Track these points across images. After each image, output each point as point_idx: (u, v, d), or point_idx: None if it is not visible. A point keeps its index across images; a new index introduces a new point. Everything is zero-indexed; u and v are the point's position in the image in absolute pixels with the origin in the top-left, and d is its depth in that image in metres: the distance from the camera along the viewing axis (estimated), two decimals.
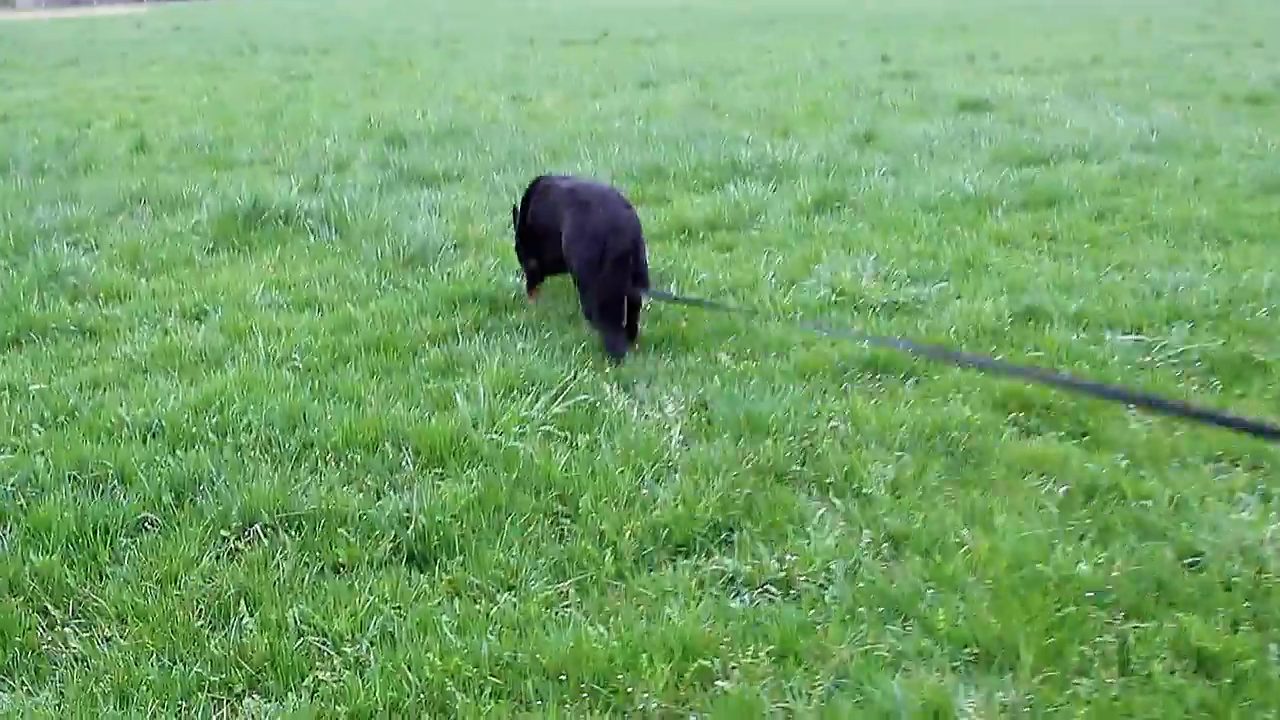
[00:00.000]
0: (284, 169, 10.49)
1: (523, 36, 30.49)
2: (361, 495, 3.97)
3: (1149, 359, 5.10)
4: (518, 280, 6.37)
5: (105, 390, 5.03)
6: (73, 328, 5.84)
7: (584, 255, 5.30)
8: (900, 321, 5.71)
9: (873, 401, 4.69)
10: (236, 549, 3.67)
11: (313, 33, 35.42)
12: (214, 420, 4.54)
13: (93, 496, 3.94)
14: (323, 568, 3.55)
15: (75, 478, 4.08)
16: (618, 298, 5.25)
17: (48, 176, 10.19)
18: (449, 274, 6.57)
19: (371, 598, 3.34)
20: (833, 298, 6.08)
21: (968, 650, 3.06)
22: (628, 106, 13.83)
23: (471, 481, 3.99)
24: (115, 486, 4.02)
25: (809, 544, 3.56)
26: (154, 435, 4.46)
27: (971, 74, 17.13)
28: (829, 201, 8.18)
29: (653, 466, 4.11)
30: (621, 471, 4.03)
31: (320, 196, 8.58)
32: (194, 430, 4.45)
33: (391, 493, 4.00)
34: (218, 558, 3.61)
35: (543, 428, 4.40)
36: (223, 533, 3.73)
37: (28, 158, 10.86)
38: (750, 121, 12.50)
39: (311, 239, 7.56)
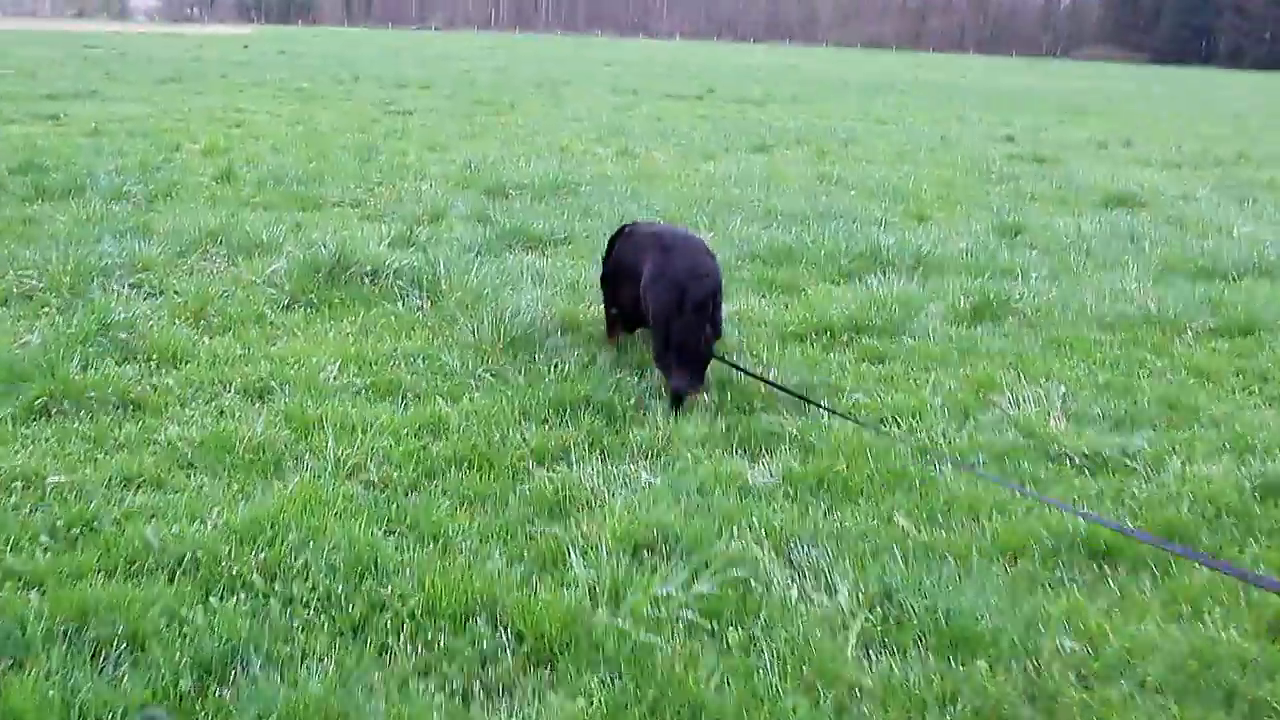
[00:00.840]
0: (374, 214, 9.67)
1: (625, 87, 29.85)
2: (442, 697, 2.96)
3: None
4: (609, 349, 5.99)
5: (138, 491, 4.09)
6: (114, 399, 4.91)
7: (662, 298, 5.21)
8: (1109, 483, 4.60)
9: (1105, 608, 3.59)
10: None
11: (414, 67, 35.17)
12: (262, 555, 3.57)
13: (89, 671, 2.97)
14: None
15: (72, 638, 3.11)
16: (694, 344, 5.16)
17: (124, 202, 9.44)
18: (557, 366, 5.58)
19: None
20: (1018, 439, 4.98)
21: None
22: (744, 172, 12.88)
23: (591, 698, 2.95)
24: (122, 655, 3.04)
25: None
26: (185, 572, 3.49)
27: (1108, 163, 15.96)
28: (990, 308, 7.10)
29: (831, 690, 3.05)
30: (793, 704, 2.96)
31: (412, 254, 7.69)
32: (236, 570, 3.48)
33: (483, 695, 2.98)
34: None
35: (683, 611, 3.37)
36: None
37: (108, 179, 10.13)
38: (878, 199, 11.47)
39: (400, 304, 6.62)
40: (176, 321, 6.17)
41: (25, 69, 26.56)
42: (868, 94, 32.17)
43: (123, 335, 5.63)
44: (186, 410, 4.92)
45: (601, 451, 4.65)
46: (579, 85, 30.04)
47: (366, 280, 7.00)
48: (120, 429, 4.66)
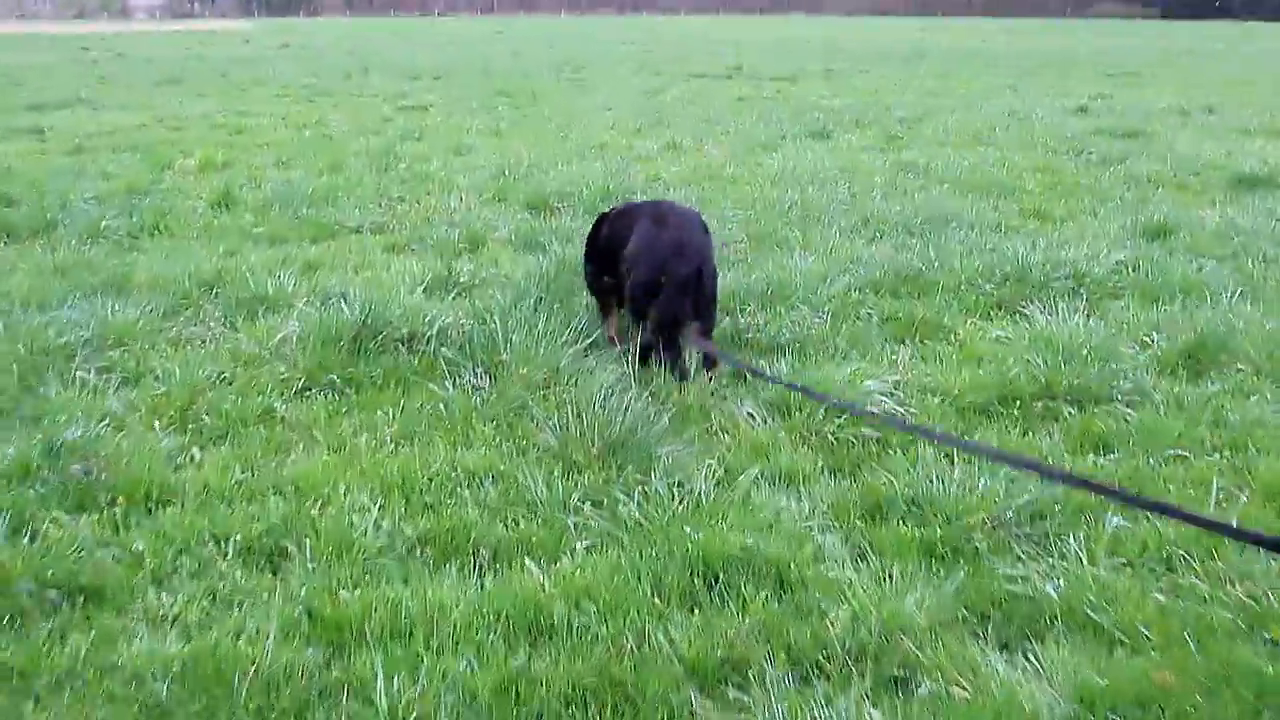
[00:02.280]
0: (400, 242, 8.08)
1: (648, 67, 28.18)
2: None
3: None
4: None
5: None
6: (54, 593, 3.33)
7: (642, 269, 5.08)
8: None
9: None
10: None
11: (425, 55, 33.50)
12: None
13: None
14: None
15: None
16: (672, 320, 4.99)
17: (101, 242, 7.88)
18: (683, 488, 3.98)
19: None
20: None
21: None
22: (813, 165, 11.23)
23: None
24: None
25: None
26: None
27: (1209, 136, 14.22)
28: (1206, 352, 5.47)
29: None
30: None
31: (456, 304, 6.14)
32: None
33: None
34: None
35: None
36: None
37: (84, 212, 8.56)
38: (980, 194, 9.82)
39: (450, 385, 5.03)
40: (156, 427, 4.60)
41: (13, 77, 25.01)
42: (901, 65, 30.36)
43: (77, 467, 4.05)
44: (162, 598, 3.35)
45: (791, 657, 3.05)
46: (599, 69, 28.33)
47: (402, 348, 5.43)
48: (56, 651, 3.08)
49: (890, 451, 4.38)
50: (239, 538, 3.67)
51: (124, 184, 9.96)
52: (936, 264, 6.98)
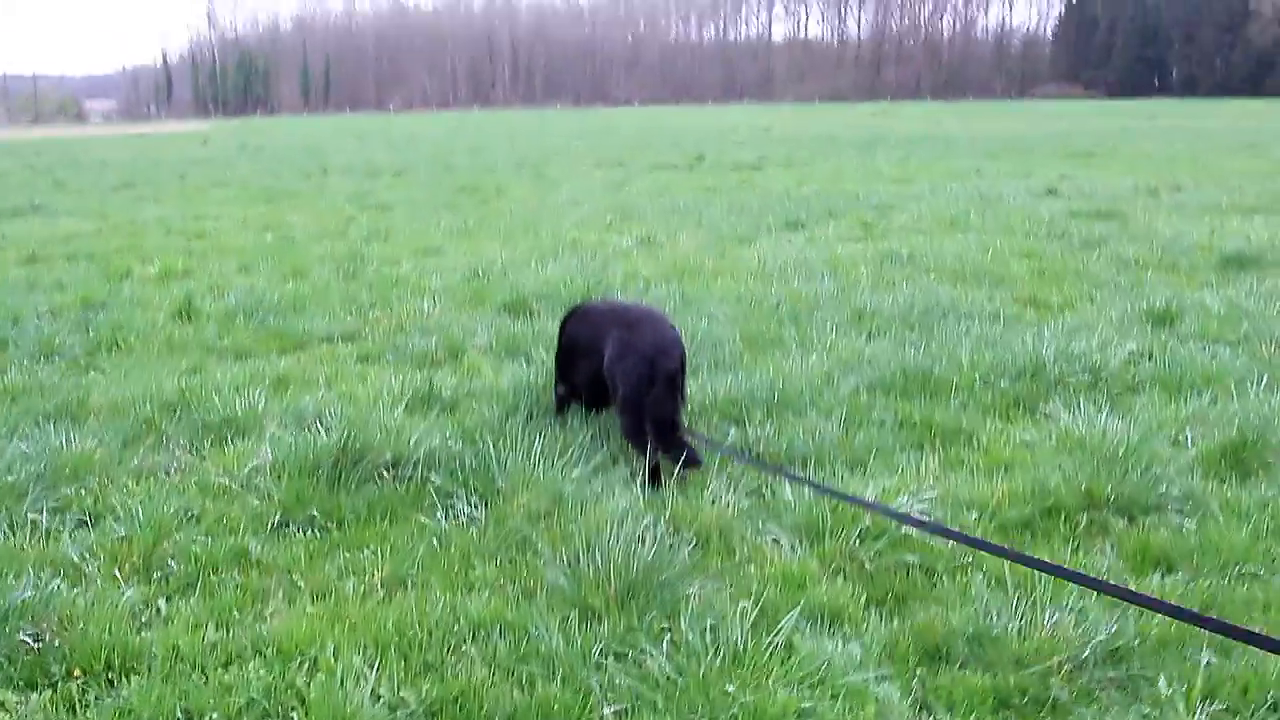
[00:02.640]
0: (374, 352, 7.66)
1: (609, 159, 28.16)
2: None
3: None
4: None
5: None
6: None
7: (631, 375, 5.06)
8: None
9: None
10: None
11: (384, 153, 33.37)
12: None
13: None
14: None
15: None
16: (669, 419, 4.99)
17: (54, 364, 7.39)
18: (717, 635, 3.53)
19: None
20: None
21: None
22: (794, 259, 10.95)
23: None
24: None
25: None
26: None
27: (1184, 216, 14.14)
28: (1250, 451, 5.13)
29: None
30: None
31: (441, 421, 5.71)
32: None
33: None
34: None
35: None
36: None
37: (36, 330, 8.08)
38: (970, 283, 9.56)
39: (443, 517, 4.58)
40: (117, 576, 4.11)
41: None
42: (861, 151, 30.52)
43: (27, 635, 3.56)
44: None
45: None
46: (560, 162, 28.26)
47: (387, 475, 4.98)
48: None
49: (937, 580, 3.97)
50: (215, 716, 3.18)
51: (79, 296, 9.49)
52: (944, 361, 6.62)
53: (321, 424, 5.57)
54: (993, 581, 3.92)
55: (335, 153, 35.09)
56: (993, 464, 5.15)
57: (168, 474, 5.22)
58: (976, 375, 6.34)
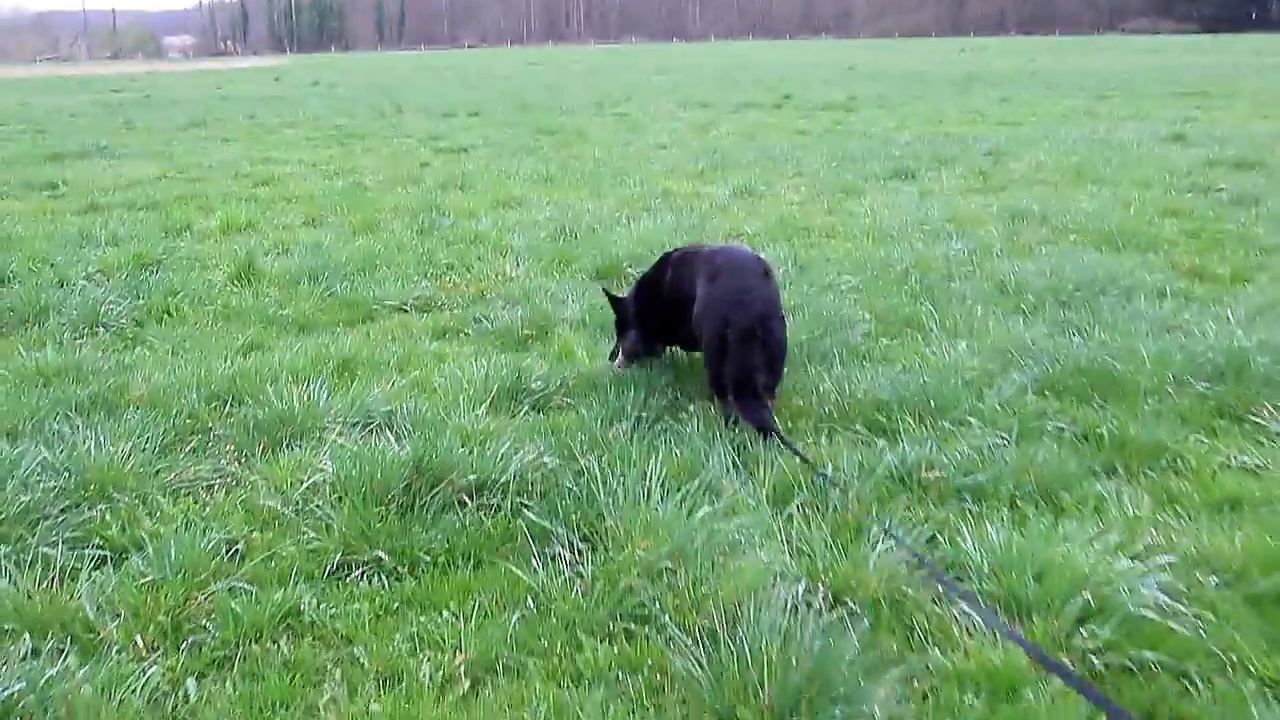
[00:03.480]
0: (452, 326, 6.78)
1: (692, 99, 26.96)
2: None
3: None
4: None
5: None
6: None
7: (709, 330, 4.87)
8: None
9: None
10: None
11: (458, 91, 32.43)
12: None
13: None
14: None
15: None
16: (747, 378, 4.68)
17: (100, 336, 6.61)
18: None
19: None
20: None
21: None
22: (911, 213, 9.89)
23: None
24: None
25: None
26: None
27: None
28: None
29: None
30: None
31: (531, 423, 4.79)
32: None
33: None
34: None
35: None
36: None
37: (82, 294, 7.31)
38: (1116, 247, 8.46)
39: (538, 566, 3.68)
40: (139, 645, 3.28)
41: (40, 124, 24.06)
42: (956, 90, 28.99)
43: None
44: None
45: None
46: (641, 100, 27.13)
47: (469, 502, 4.10)
48: None
49: (1191, 685, 2.99)
50: None
51: (133, 253, 8.71)
52: (1119, 353, 5.57)
53: (391, 429, 4.71)
54: (1267, 694, 2.94)
55: (409, 90, 34.22)
56: (1213, 500, 4.13)
57: (210, 491, 4.38)
58: (1167, 374, 5.27)
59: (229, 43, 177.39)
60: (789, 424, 4.85)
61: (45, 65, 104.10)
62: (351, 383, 5.54)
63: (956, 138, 16.58)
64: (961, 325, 6.30)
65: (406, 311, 7.24)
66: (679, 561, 3.55)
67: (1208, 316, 6.33)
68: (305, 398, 5.12)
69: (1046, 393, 5.22)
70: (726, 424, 4.72)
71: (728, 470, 4.30)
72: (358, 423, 4.92)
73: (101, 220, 10.63)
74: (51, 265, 8.35)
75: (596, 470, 4.11)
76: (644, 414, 4.90)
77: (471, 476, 4.15)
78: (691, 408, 5.04)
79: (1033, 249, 8.41)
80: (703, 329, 4.93)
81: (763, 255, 5.49)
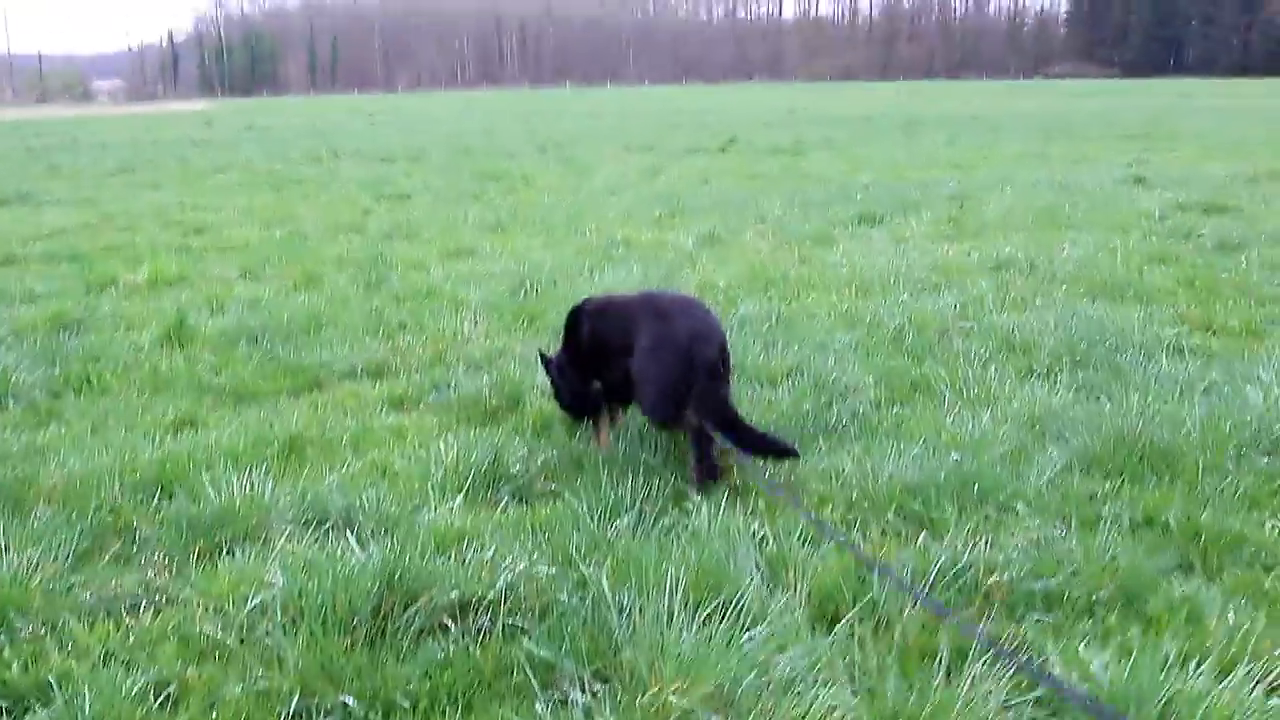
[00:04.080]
0: (408, 395, 6.09)
1: (636, 143, 26.48)
2: None
3: None
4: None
5: None
6: None
7: (667, 371, 4.56)
8: None
9: None
10: None
11: (397, 136, 31.72)
12: None
13: None
14: None
15: None
16: (725, 410, 4.48)
17: (9, 411, 5.83)
18: None
19: None
20: None
21: None
22: (892, 263, 9.35)
23: None
24: None
25: None
26: None
27: None
28: None
29: None
30: None
31: (518, 531, 4.10)
32: None
33: None
34: None
35: None
36: None
37: None
38: (1116, 298, 8.00)
39: (544, 714, 2.99)
40: None
41: None
42: (901, 133, 28.83)
43: None
44: None
45: None
46: (583, 145, 26.60)
47: (453, 626, 3.40)
48: None
49: None
50: None
51: (51, 312, 7.92)
52: (1160, 422, 5.02)
53: (351, 528, 4.00)
54: None
55: (345, 135, 33.44)
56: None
57: (135, 613, 3.63)
58: (1219, 445, 4.72)
59: (159, 86, 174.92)
60: (813, 513, 4.22)
61: None
62: (301, 468, 4.82)
63: (915, 182, 16.19)
64: (976, 390, 5.73)
65: (357, 378, 6.53)
66: (724, 709, 2.88)
67: (1235, 375, 5.80)
68: (248, 489, 4.39)
69: (1092, 470, 4.64)
70: (708, 474, 4.52)
71: (753, 574, 3.64)
72: (311, 520, 4.20)
73: (18, 274, 9.80)
74: None
75: (603, 583, 3.44)
76: (645, 505, 4.23)
77: (454, 593, 3.46)
78: (696, 495, 4.38)
79: (1026, 301, 7.90)
80: (656, 368, 4.63)
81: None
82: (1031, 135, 26.48)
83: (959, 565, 3.69)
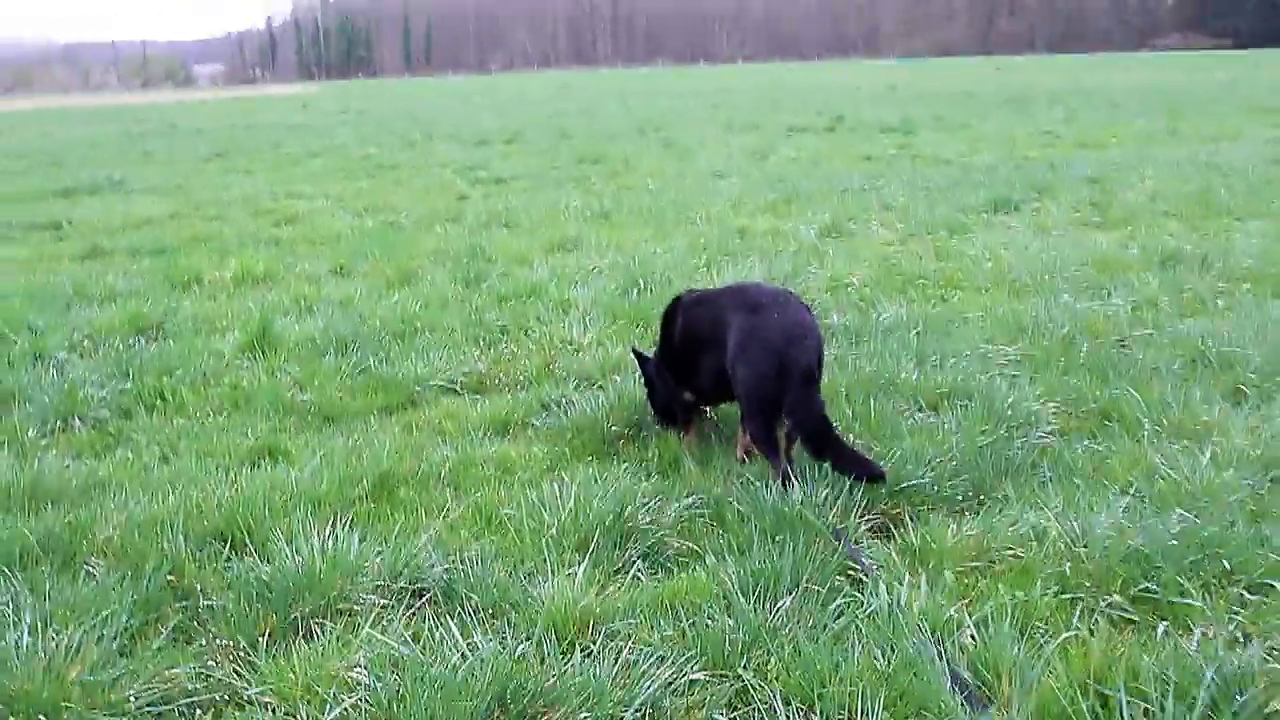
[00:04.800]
0: (516, 414, 5.35)
1: (739, 123, 25.55)
2: None
3: None
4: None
5: None
6: None
7: (758, 371, 4.19)
8: None
9: None
10: None
11: (490, 117, 31.16)
12: None
13: None
14: None
15: None
16: (819, 421, 4.04)
17: (74, 433, 5.24)
18: None
19: None
20: None
21: None
22: (1038, 255, 8.43)
23: None
24: None
25: None
26: None
27: None
28: None
29: None
30: None
31: (664, 609, 3.35)
32: None
33: None
34: None
35: None
36: None
37: (54, 382, 5.91)
38: (1266, 285, 6.99)
39: None
40: None
41: (56, 155, 22.92)
42: (1013, 109, 27.50)
43: None
44: None
45: None
46: (684, 126, 25.74)
47: None
48: None
49: None
50: None
51: (130, 313, 7.37)
52: None
53: (451, 606, 3.27)
54: None
55: (440, 117, 32.99)
56: None
57: (189, 715, 2.94)
58: None
59: (258, 70, 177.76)
60: (1008, 586, 3.39)
61: (73, 95, 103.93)
62: (393, 514, 4.11)
63: (1041, 162, 15.08)
64: (1181, 418, 4.81)
65: (457, 392, 5.84)
66: None
67: None
68: (330, 546, 3.69)
69: None
70: (784, 485, 4.07)
71: (960, 689, 2.83)
72: (404, 591, 3.47)
73: (101, 268, 9.32)
74: (32, 332, 6.98)
75: (775, 701, 2.65)
76: (807, 577, 3.44)
77: (583, 715, 2.69)
78: (871, 549, 3.58)
79: (1207, 303, 6.93)
80: (748, 370, 4.26)
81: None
82: (1154, 111, 24.98)
83: (1225, 679, 2.84)
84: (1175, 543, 3.54)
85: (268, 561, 3.67)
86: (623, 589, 3.48)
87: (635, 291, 7.66)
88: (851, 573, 3.53)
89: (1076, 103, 28.81)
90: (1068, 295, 7.16)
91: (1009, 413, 4.83)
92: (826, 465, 4.00)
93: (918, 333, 6.32)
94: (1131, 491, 4.04)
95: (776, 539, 3.68)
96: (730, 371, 4.34)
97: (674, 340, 4.85)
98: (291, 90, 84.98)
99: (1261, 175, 12.77)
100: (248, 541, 3.84)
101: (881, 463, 4.08)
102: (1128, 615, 3.28)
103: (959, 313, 6.83)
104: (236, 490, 4.29)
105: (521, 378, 5.98)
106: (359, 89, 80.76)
